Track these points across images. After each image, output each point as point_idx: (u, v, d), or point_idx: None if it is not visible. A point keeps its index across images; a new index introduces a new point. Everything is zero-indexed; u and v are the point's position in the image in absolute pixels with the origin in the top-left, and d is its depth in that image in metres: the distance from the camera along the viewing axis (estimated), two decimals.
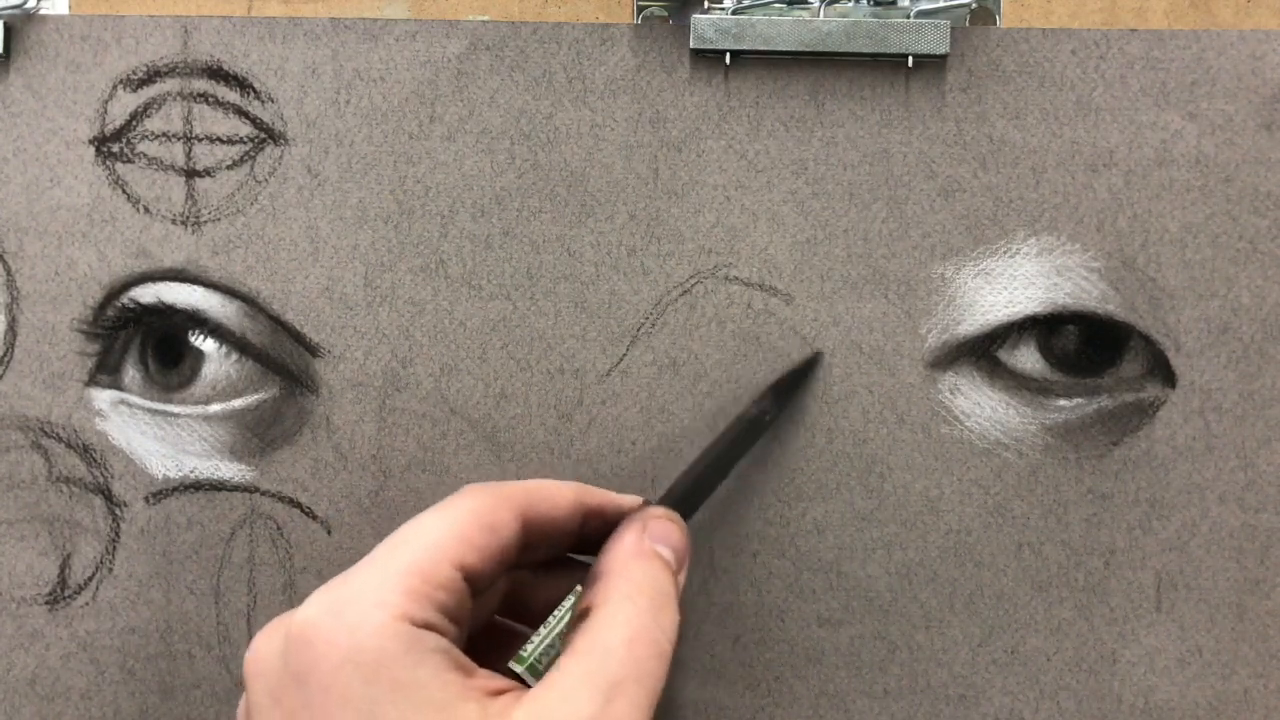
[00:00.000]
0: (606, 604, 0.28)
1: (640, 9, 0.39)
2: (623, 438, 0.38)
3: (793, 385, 0.38)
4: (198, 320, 0.39)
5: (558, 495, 0.31)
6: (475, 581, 0.29)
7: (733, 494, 0.38)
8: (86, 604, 0.40)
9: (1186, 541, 0.38)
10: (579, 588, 0.30)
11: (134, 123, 0.39)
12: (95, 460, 0.39)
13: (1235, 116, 0.37)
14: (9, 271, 0.40)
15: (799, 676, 0.38)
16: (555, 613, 0.29)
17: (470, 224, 0.39)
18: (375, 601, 0.27)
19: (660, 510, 0.32)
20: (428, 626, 0.27)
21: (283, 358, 0.39)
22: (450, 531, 0.28)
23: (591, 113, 0.39)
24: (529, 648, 0.29)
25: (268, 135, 0.39)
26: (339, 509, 0.39)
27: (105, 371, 0.39)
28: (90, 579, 0.40)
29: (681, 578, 0.31)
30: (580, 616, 0.29)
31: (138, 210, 0.39)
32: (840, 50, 0.37)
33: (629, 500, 0.33)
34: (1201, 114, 0.37)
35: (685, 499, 0.34)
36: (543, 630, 0.29)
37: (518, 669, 0.29)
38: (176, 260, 0.39)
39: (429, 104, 0.39)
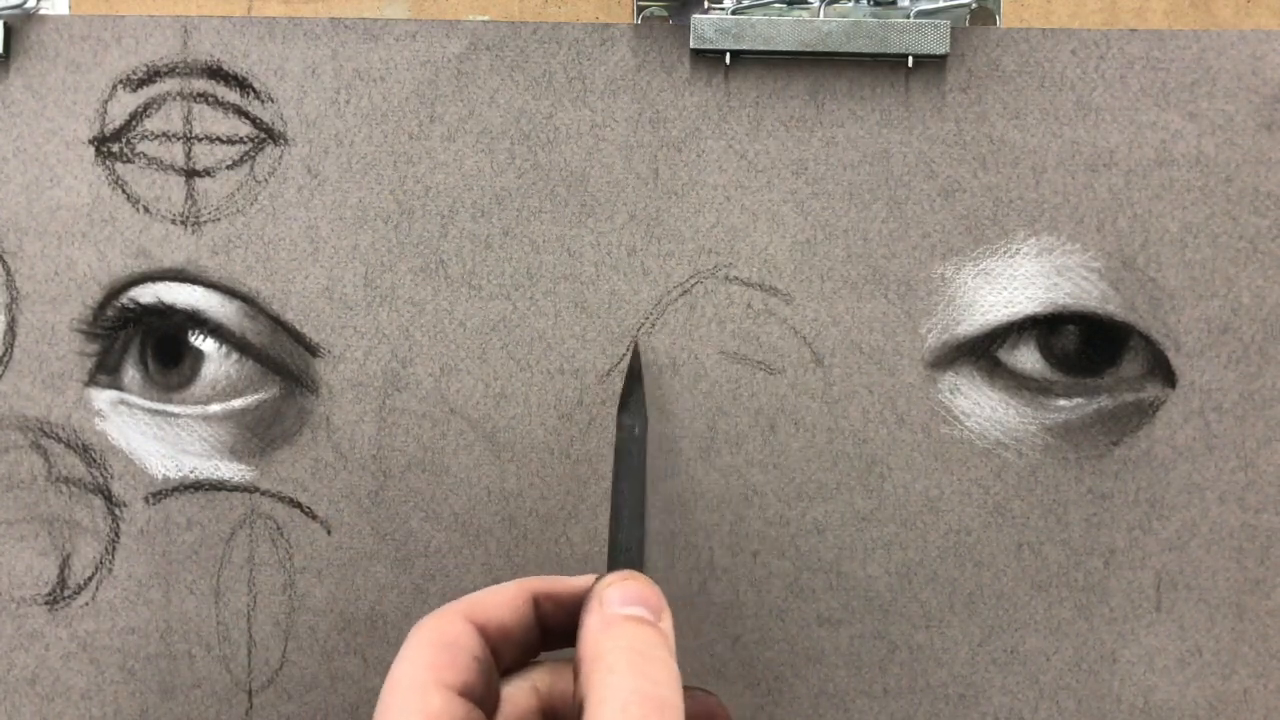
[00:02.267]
0: (591, 690, 0.27)
1: (640, 9, 0.39)
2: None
3: (634, 391, 0.37)
4: (198, 320, 0.39)
5: (499, 593, 0.30)
6: (471, 695, 0.28)
7: (733, 494, 0.38)
8: (86, 604, 0.40)
9: (1186, 541, 0.38)
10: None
11: (134, 123, 0.39)
12: (95, 460, 0.39)
13: (1235, 116, 0.37)
14: (9, 271, 0.40)
15: (799, 676, 0.38)
16: None
17: (470, 224, 0.39)
18: None
19: (611, 576, 0.30)
20: None
21: (283, 358, 0.39)
22: (415, 666, 0.28)
23: (591, 113, 0.39)
24: None
25: (268, 135, 0.39)
26: (339, 509, 0.39)
27: (105, 371, 0.39)
28: (90, 579, 0.40)
29: (665, 624, 0.29)
30: (577, 717, 0.27)
31: (138, 210, 0.39)
32: (840, 50, 0.37)
33: (580, 580, 0.32)
34: (1201, 114, 0.37)
35: (627, 551, 0.32)
36: None
37: None
38: (176, 260, 0.39)
39: (429, 104, 0.39)
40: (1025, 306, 0.37)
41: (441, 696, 0.27)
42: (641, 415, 0.36)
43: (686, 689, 0.30)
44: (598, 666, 0.27)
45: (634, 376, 0.37)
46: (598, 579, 0.31)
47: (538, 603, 0.31)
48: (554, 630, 0.31)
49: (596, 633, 0.28)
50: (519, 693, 0.30)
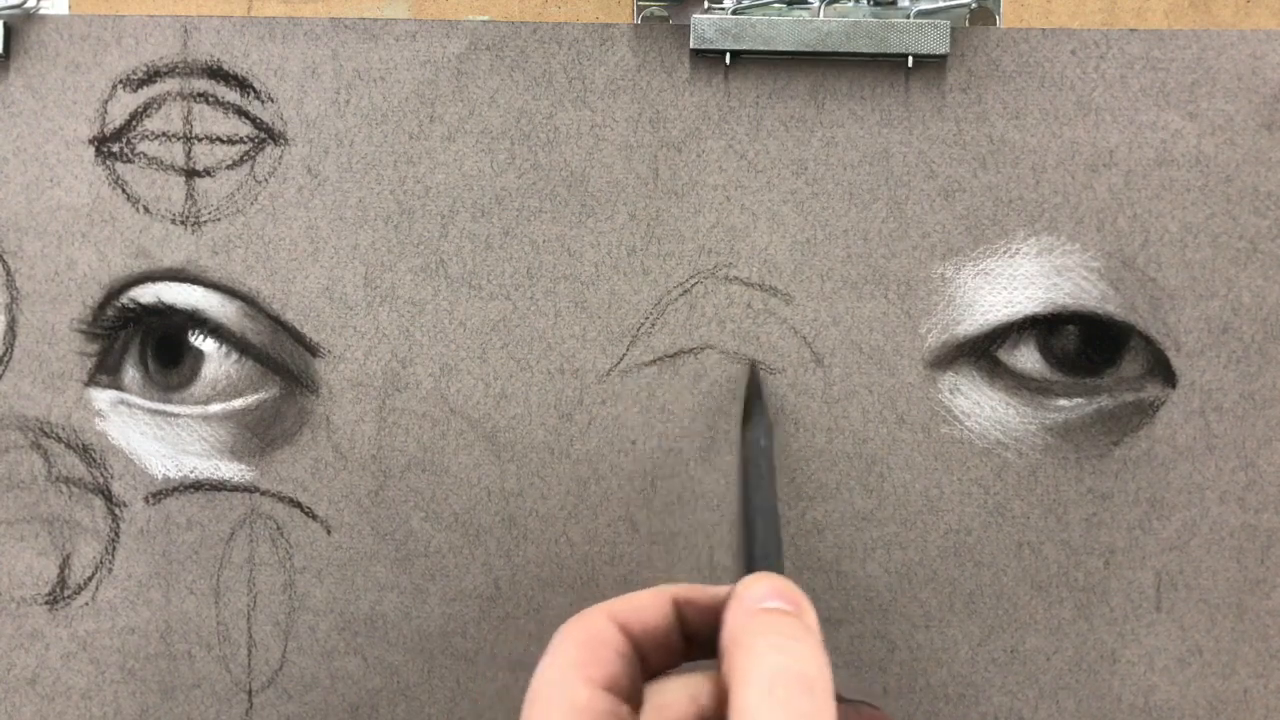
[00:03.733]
0: (735, 671, 0.27)
1: (640, 9, 0.39)
2: (623, 438, 0.38)
3: (755, 407, 0.37)
4: (198, 320, 0.39)
5: (640, 596, 0.30)
6: (616, 688, 0.28)
7: (733, 494, 0.38)
8: (86, 604, 0.40)
9: (1186, 541, 0.38)
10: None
11: (134, 123, 0.39)
12: (95, 460, 0.39)
13: (1235, 116, 0.37)
14: (9, 271, 0.40)
15: None
16: None
17: (470, 224, 0.39)
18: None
19: (750, 578, 0.30)
20: None
21: (283, 358, 0.39)
22: (561, 665, 0.28)
23: (591, 113, 0.39)
24: None
25: (268, 135, 0.39)
26: (339, 509, 0.39)
27: (105, 371, 0.39)
28: (90, 579, 0.40)
29: (809, 618, 0.29)
30: (723, 704, 0.27)
31: (138, 210, 0.39)
32: (840, 50, 0.37)
33: (720, 589, 0.31)
34: (1201, 114, 0.37)
35: (765, 559, 0.32)
36: None
37: None
38: (176, 260, 0.39)
39: (429, 104, 0.39)
40: (1025, 306, 0.37)
41: (588, 689, 0.27)
42: (765, 428, 0.36)
43: (849, 702, 0.30)
44: (739, 650, 0.27)
45: (754, 390, 0.37)
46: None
47: (679, 608, 0.31)
48: (696, 638, 0.31)
49: (738, 621, 0.28)
50: (677, 700, 0.30)
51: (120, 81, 0.39)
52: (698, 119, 0.38)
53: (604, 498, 0.38)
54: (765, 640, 0.27)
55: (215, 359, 0.39)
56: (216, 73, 0.39)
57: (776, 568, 0.31)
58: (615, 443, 0.38)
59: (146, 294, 0.39)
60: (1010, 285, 0.38)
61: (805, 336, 0.38)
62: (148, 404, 0.39)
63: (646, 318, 0.38)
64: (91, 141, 0.39)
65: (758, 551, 0.32)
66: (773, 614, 0.28)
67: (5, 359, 0.40)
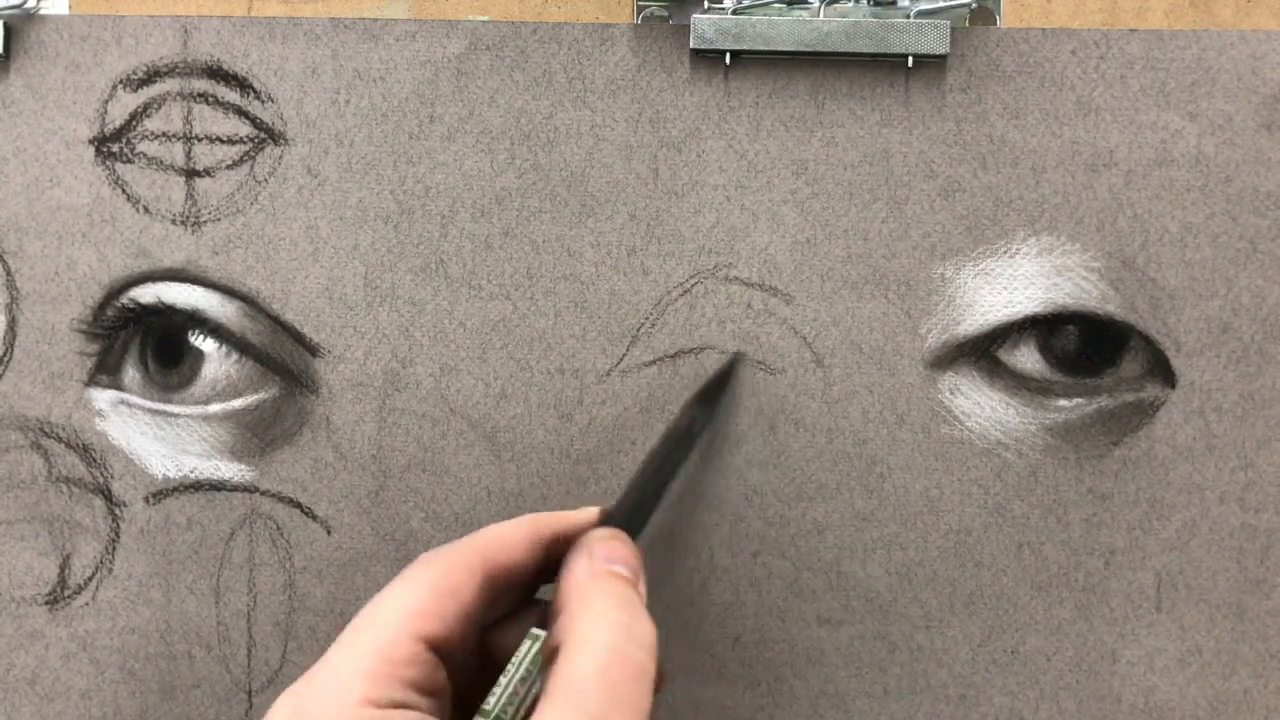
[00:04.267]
0: (572, 636, 0.27)
1: (640, 9, 0.39)
2: (623, 438, 0.38)
3: (717, 391, 0.37)
4: (198, 320, 0.39)
5: (511, 537, 0.31)
6: (443, 649, 0.28)
7: (733, 494, 0.38)
8: (86, 604, 0.40)
9: (1186, 541, 0.38)
10: (534, 630, 0.29)
11: (134, 123, 0.39)
12: (95, 460, 0.39)
13: (1235, 116, 0.37)
14: (9, 271, 0.40)
15: (799, 676, 0.38)
16: (514, 658, 0.29)
17: (470, 224, 0.39)
18: (338, 694, 0.27)
19: (604, 532, 0.31)
20: (396, 706, 0.27)
21: (283, 358, 0.39)
22: (408, 605, 0.28)
23: (591, 113, 0.39)
24: (491, 700, 0.28)
25: (268, 135, 0.39)
26: (339, 509, 0.39)
27: (105, 371, 0.39)
28: (90, 579, 0.40)
29: (641, 589, 0.30)
30: (549, 658, 0.28)
31: (138, 210, 0.39)
32: (840, 50, 0.37)
33: (583, 514, 0.32)
34: (1201, 114, 0.37)
35: (629, 517, 0.33)
36: (502, 679, 0.28)
37: None
38: (176, 260, 0.39)
39: (429, 104, 0.39)
40: (1025, 306, 0.37)
41: (414, 647, 0.28)
42: (709, 416, 0.36)
43: None
44: (581, 615, 0.28)
45: (725, 379, 0.37)
46: (601, 512, 0.32)
47: (550, 544, 0.31)
48: (554, 565, 0.32)
49: (584, 579, 0.29)
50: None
51: (120, 81, 0.39)
52: (698, 119, 0.38)
53: (604, 498, 0.38)
54: (608, 612, 0.28)
55: (215, 359, 0.39)
56: (216, 73, 0.39)
57: (635, 531, 0.32)
58: (615, 443, 0.38)
59: (146, 294, 0.39)
60: (1010, 285, 0.38)
61: (805, 336, 0.38)
62: (148, 404, 0.39)
63: (646, 318, 0.38)
64: (91, 141, 0.39)
65: (628, 507, 0.33)
66: (617, 580, 0.29)
67: (5, 359, 0.40)
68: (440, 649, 0.28)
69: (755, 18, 0.38)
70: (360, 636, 0.28)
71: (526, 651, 0.29)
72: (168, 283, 0.39)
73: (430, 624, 0.28)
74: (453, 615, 0.28)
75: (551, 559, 0.31)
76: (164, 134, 0.39)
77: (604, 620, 0.27)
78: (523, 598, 0.32)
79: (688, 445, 0.36)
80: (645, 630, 0.28)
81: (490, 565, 0.30)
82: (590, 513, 0.32)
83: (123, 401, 0.39)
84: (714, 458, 0.38)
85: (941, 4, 0.38)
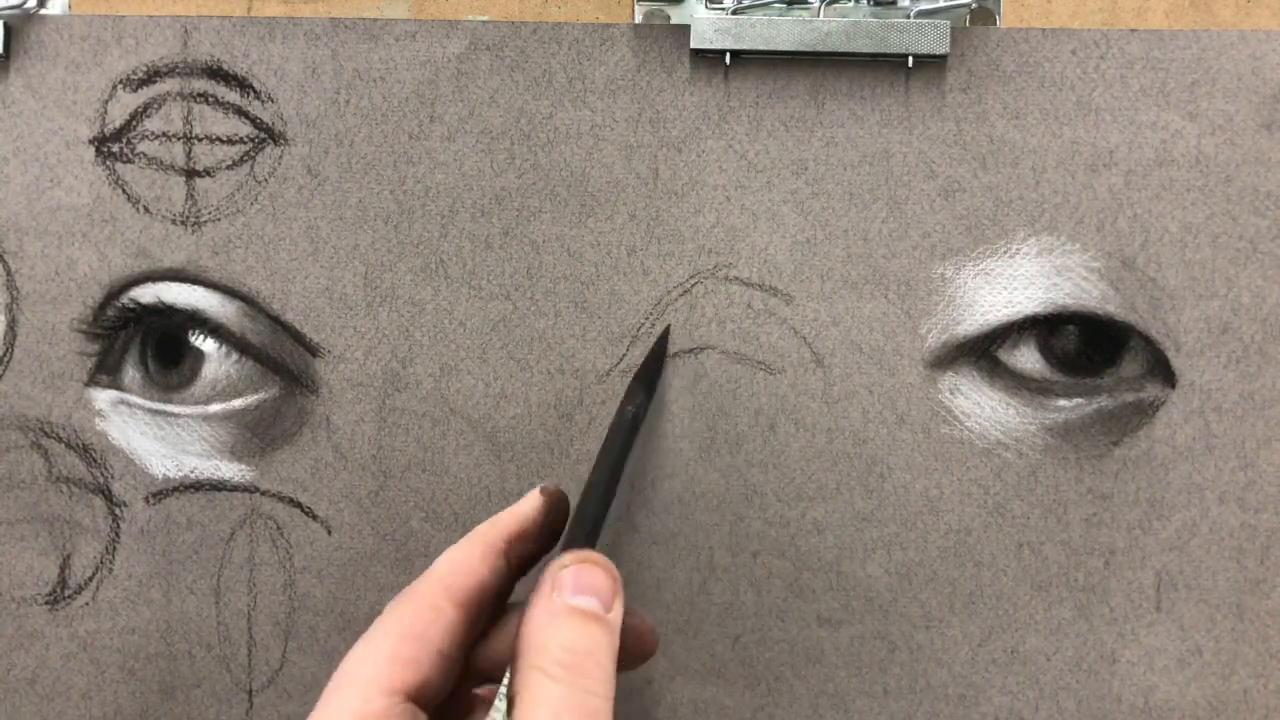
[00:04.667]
0: (525, 689, 0.27)
1: (640, 9, 0.39)
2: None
3: (654, 368, 0.37)
4: (198, 320, 0.39)
5: (466, 560, 0.30)
6: (421, 694, 0.28)
7: (733, 494, 0.38)
8: (86, 604, 0.40)
9: (1186, 541, 0.38)
10: (502, 689, 0.28)
11: (134, 123, 0.39)
12: (95, 460, 0.39)
13: (1235, 116, 0.37)
14: (9, 271, 0.40)
15: (799, 676, 0.38)
16: (496, 704, 0.28)
17: (470, 224, 0.39)
18: None
19: (567, 556, 0.30)
20: None
21: (283, 358, 0.39)
22: (378, 659, 0.28)
23: (591, 113, 0.39)
24: None
25: (268, 135, 0.39)
26: (339, 509, 0.39)
27: (105, 371, 0.39)
28: (90, 579, 0.40)
29: (615, 613, 0.29)
30: (511, 706, 0.27)
31: (138, 210, 0.39)
32: (840, 50, 0.37)
33: (526, 504, 0.32)
34: (1201, 114, 0.37)
35: (583, 525, 0.32)
36: None
37: None
38: (176, 260, 0.39)
39: (429, 104, 0.39)
40: (1025, 306, 0.37)
41: (386, 702, 0.27)
42: (642, 400, 0.36)
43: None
44: (534, 663, 0.27)
45: (654, 361, 0.37)
46: (548, 492, 0.31)
47: (507, 552, 0.31)
48: (522, 563, 0.31)
49: (541, 624, 0.28)
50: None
51: (120, 81, 0.39)
52: (698, 119, 0.38)
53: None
54: (561, 664, 0.27)
55: (215, 359, 0.39)
56: (216, 73, 0.39)
57: (592, 538, 0.31)
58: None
59: (147, 294, 0.39)
60: (1010, 285, 0.38)
61: (805, 336, 0.38)
62: (148, 404, 0.39)
63: (646, 318, 0.38)
64: (91, 141, 0.39)
65: (582, 519, 0.32)
66: (575, 620, 0.28)
67: (5, 359, 0.40)
68: (417, 696, 0.28)
69: (755, 18, 0.38)
70: (336, 699, 0.28)
71: (503, 695, 0.28)
72: (168, 283, 0.39)
73: (402, 674, 0.28)
74: (425, 659, 0.28)
75: (514, 559, 0.31)
76: (164, 134, 0.39)
77: (556, 669, 0.27)
78: (503, 604, 0.32)
79: (633, 431, 0.35)
80: (601, 673, 0.27)
81: (455, 594, 0.29)
82: (533, 499, 0.32)
83: (123, 401, 0.39)
84: (714, 457, 0.38)
85: (941, 4, 0.38)
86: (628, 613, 0.31)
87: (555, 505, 0.33)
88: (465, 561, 0.30)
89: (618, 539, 0.39)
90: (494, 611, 0.31)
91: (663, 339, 0.38)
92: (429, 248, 0.39)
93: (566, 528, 0.32)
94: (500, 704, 0.28)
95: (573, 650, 0.27)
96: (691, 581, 0.38)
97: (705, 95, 0.38)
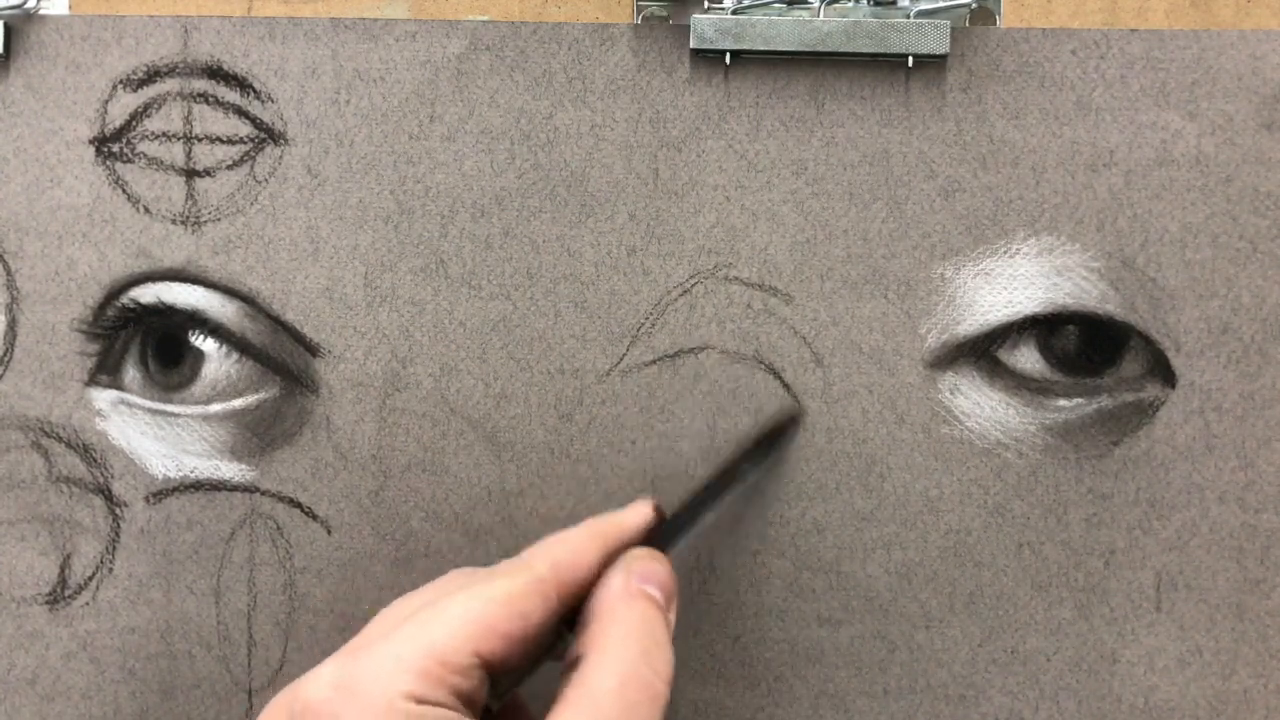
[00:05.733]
0: (596, 650, 0.28)
1: (640, 9, 0.39)
2: (623, 438, 0.38)
3: (773, 444, 0.37)
4: (198, 320, 0.39)
5: (583, 554, 0.30)
6: (498, 667, 0.28)
7: (732, 494, 0.38)
8: (86, 604, 0.40)
9: (1186, 541, 0.38)
10: (567, 634, 0.29)
11: (134, 123, 0.39)
12: (95, 460, 0.39)
13: (1235, 116, 0.37)
14: (9, 271, 0.40)
15: (799, 676, 0.38)
16: (565, 659, 0.29)
17: (470, 224, 0.39)
18: (387, 679, 0.27)
19: (643, 551, 0.31)
20: (437, 705, 0.27)
21: (283, 358, 0.39)
22: (476, 616, 0.28)
23: (591, 113, 0.39)
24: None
25: (268, 135, 0.39)
26: (339, 509, 0.39)
27: (105, 371, 0.39)
28: (90, 579, 0.40)
29: (671, 616, 0.30)
30: (571, 665, 0.28)
31: (138, 210, 0.39)
32: (840, 50, 0.37)
33: (636, 513, 0.32)
34: (1201, 114, 0.37)
35: (669, 536, 0.33)
36: None
37: None
38: (176, 260, 0.39)
39: (429, 104, 0.39)
40: (1025, 306, 0.37)
41: (470, 660, 0.27)
42: (763, 468, 0.37)
43: None
44: (610, 631, 0.28)
45: (781, 433, 0.38)
46: (655, 509, 0.32)
47: (609, 553, 0.31)
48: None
49: (618, 597, 0.29)
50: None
51: (120, 81, 0.39)
52: (698, 119, 0.38)
53: (604, 498, 0.38)
54: (637, 632, 0.28)
55: (215, 359, 0.39)
56: (216, 73, 0.39)
57: (666, 549, 0.32)
58: (615, 443, 0.38)
59: (147, 294, 0.39)
60: (1010, 285, 0.38)
61: (805, 336, 0.38)
62: (148, 404, 0.39)
63: (646, 318, 0.38)
64: (91, 141, 0.39)
65: (674, 529, 0.33)
66: (648, 603, 0.29)
67: (5, 359, 0.40)
68: (494, 667, 0.28)
69: (755, 18, 0.38)
70: (423, 630, 0.28)
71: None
72: (168, 283, 0.39)
73: (492, 642, 0.28)
74: (517, 638, 0.28)
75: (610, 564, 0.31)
76: (164, 134, 0.39)
77: (630, 640, 0.28)
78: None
79: (730, 480, 0.36)
80: (665, 659, 0.28)
81: (564, 587, 0.30)
82: (644, 510, 0.32)
83: (123, 401, 0.39)
84: (714, 457, 0.38)
85: (941, 4, 0.38)
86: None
87: (658, 522, 0.33)
88: (580, 555, 0.30)
89: None
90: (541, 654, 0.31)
91: (792, 422, 0.38)
92: (429, 248, 0.39)
93: (650, 532, 0.33)
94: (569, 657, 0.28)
95: (645, 629, 0.29)
96: (691, 581, 0.38)
97: (705, 95, 0.38)
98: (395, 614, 0.30)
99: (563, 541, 0.31)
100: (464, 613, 0.28)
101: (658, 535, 0.33)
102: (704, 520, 0.35)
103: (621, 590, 0.29)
